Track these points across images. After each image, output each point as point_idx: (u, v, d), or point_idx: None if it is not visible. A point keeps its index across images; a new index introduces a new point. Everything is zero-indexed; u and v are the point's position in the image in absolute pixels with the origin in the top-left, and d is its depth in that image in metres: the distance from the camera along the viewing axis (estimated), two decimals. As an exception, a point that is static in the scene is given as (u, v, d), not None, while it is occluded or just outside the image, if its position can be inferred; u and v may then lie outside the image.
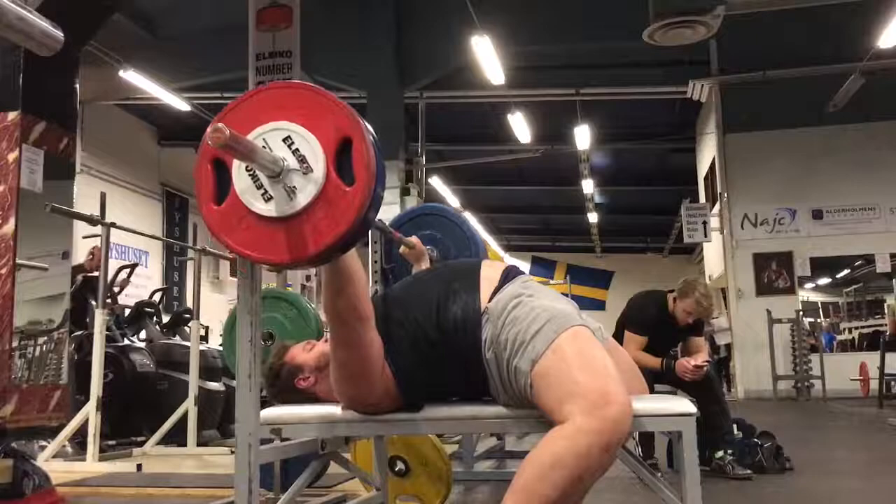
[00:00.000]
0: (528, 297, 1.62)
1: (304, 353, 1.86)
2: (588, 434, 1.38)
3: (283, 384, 1.85)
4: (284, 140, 1.35)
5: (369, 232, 3.11)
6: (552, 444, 1.41)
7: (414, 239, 2.90)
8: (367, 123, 1.36)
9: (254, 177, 1.35)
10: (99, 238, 4.74)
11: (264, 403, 1.65)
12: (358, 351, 1.58)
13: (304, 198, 1.33)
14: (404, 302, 1.71)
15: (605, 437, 1.38)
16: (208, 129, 1.20)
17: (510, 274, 1.72)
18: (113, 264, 5.73)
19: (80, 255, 6.24)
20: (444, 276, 1.76)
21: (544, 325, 1.53)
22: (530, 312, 1.57)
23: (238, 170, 1.37)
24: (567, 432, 1.40)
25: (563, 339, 1.51)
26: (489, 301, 1.64)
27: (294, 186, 1.33)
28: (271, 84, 1.43)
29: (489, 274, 1.71)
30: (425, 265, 2.85)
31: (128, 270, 6.59)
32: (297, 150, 1.34)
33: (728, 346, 12.39)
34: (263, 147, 1.34)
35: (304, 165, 1.33)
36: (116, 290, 6.36)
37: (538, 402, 1.51)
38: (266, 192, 1.34)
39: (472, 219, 18.30)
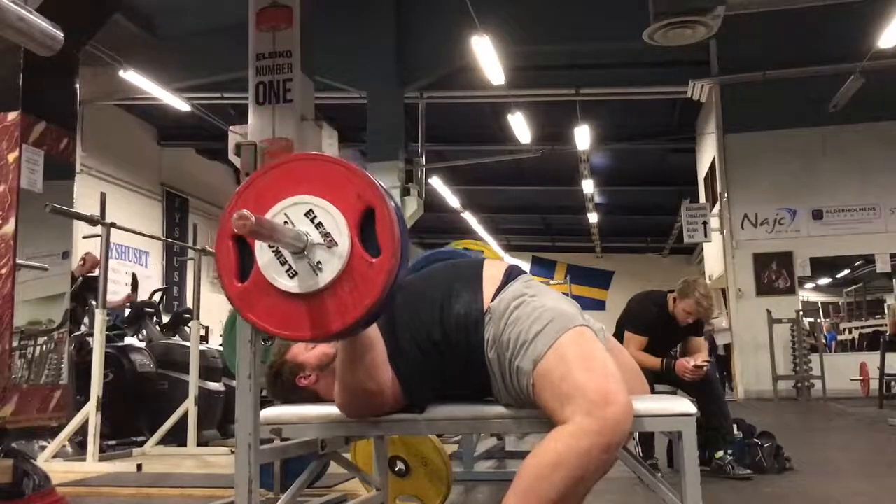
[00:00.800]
0: (530, 296, 1.62)
1: (306, 351, 1.85)
2: (589, 434, 1.38)
3: (284, 382, 1.85)
4: (306, 214, 1.31)
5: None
6: (553, 444, 1.41)
7: None
8: (386, 189, 1.33)
9: (277, 253, 1.32)
10: (98, 238, 4.74)
11: (264, 403, 1.65)
12: (370, 407, 1.62)
13: (329, 273, 1.29)
14: (407, 301, 1.71)
15: (606, 438, 1.38)
16: (234, 216, 1.17)
17: (513, 273, 1.72)
18: (113, 264, 5.73)
19: (79, 256, 6.23)
20: (447, 276, 1.76)
21: (546, 325, 1.53)
22: (532, 312, 1.57)
23: (261, 245, 1.34)
24: (568, 432, 1.40)
25: (565, 339, 1.51)
26: (492, 300, 1.63)
27: (319, 262, 1.30)
28: (286, 157, 1.40)
29: (492, 273, 1.71)
30: None
31: (160, 294, 7.02)
32: (320, 223, 1.31)
33: (727, 346, 12.38)
34: (286, 222, 1.31)
35: (328, 239, 1.30)
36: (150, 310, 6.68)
37: (539, 402, 1.50)
38: (290, 267, 1.31)
39: (472, 219, 18.36)
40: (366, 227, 1.30)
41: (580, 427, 1.39)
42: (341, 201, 1.31)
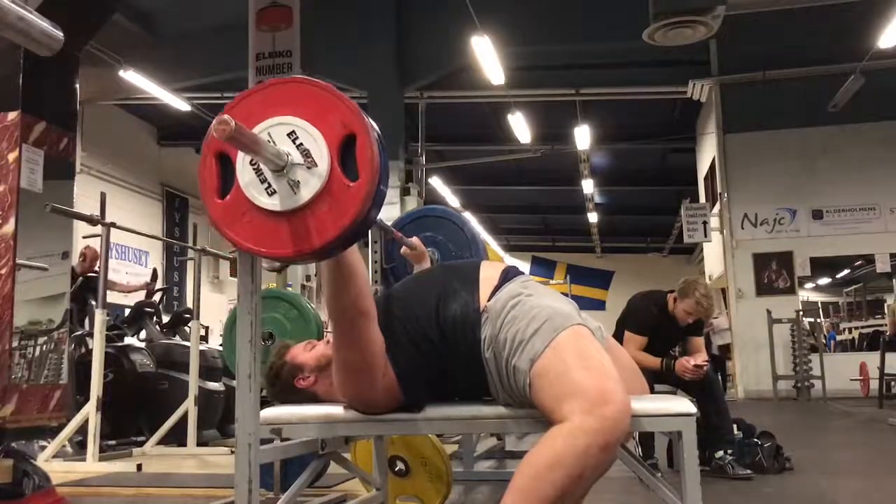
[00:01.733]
0: (527, 296, 1.62)
1: (305, 352, 1.86)
2: (587, 433, 1.38)
3: (283, 384, 1.85)
4: (289, 135, 1.35)
5: (370, 231, 3.12)
6: (551, 443, 1.41)
7: (415, 240, 2.91)
8: (371, 120, 1.36)
9: (258, 171, 1.36)
10: (98, 238, 4.74)
11: (264, 403, 1.65)
12: (360, 348, 1.58)
13: (307, 192, 1.33)
14: (405, 301, 1.71)
15: (604, 437, 1.38)
16: (214, 122, 1.21)
17: (510, 274, 1.72)
18: (113, 264, 5.73)
19: (79, 255, 6.23)
20: (444, 276, 1.76)
21: (543, 324, 1.53)
22: (529, 311, 1.57)
23: (242, 164, 1.37)
24: (566, 431, 1.40)
25: (562, 338, 1.51)
26: (488, 300, 1.64)
27: (298, 181, 1.34)
28: (276, 80, 1.43)
29: (489, 274, 1.72)
30: (426, 266, 2.85)
31: (160, 294, 7.12)
32: (301, 144, 1.35)
33: (723, 347, 12.36)
34: (268, 141, 1.34)
35: (309, 160, 1.34)
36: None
37: (537, 402, 1.51)
38: (270, 185, 1.35)
39: (472, 219, 18.36)
40: (346, 153, 1.34)
41: (578, 426, 1.39)
42: (324, 125, 1.34)
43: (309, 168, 1.33)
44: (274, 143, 1.35)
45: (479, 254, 3.34)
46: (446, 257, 3.26)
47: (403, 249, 2.91)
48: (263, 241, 1.36)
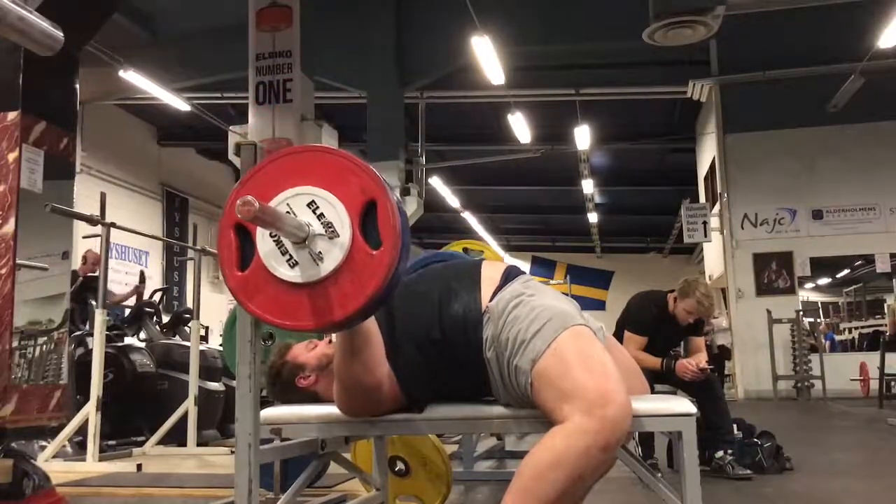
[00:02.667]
0: (528, 296, 1.62)
1: (307, 352, 1.86)
2: (587, 433, 1.38)
3: (284, 383, 1.86)
4: (309, 205, 1.33)
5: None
6: (551, 443, 1.41)
7: None
8: (389, 183, 1.35)
9: (278, 242, 1.34)
10: (98, 238, 4.74)
11: (264, 403, 1.65)
12: (366, 400, 1.61)
13: (330, 263, 1.31)
14: (405, 301, 1.71)
15: (604, 437, 1.38)
16: (238, 202, 1.18)
17: (511, 274, 1.72)
18: (113, 264, 5.73)
19: (79, 256, 6.23)
20: (446, 276, 1.76)
21: (545, 324, 1.53)
22: (531, 312, 1.57)
23: (262, 235, 1.35)
24: (566, 432, 1.40)
25: (563, 338, 1.51)
26: (490, 300, 1.64)
27: (320, 252, 1.31)
28: (293, 147, 1.41)
29: (490, 274, 1.71)
30: None
31: (160, 294, 7.21)
32: (321, 214, 1.32)
33: (720, 347, 12.36)
34: (288, 213, 1.32)
35: (330, 230, 1.32)
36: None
37: (538, 402, 1.51)
38: (291, 257, 1.33)
39: (472, 219, 18.37)
40: (367, 220, 1.32)
41: (579, 426, 1.39)
42: (344, 193, 1.32)
43: (331, 238, 1.31)
44: (294, 214, 1.33)
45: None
46: None
47: None
48: (285, 314, 1.34)
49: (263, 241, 1.35)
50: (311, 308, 1.32)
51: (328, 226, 1.32)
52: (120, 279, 9.32)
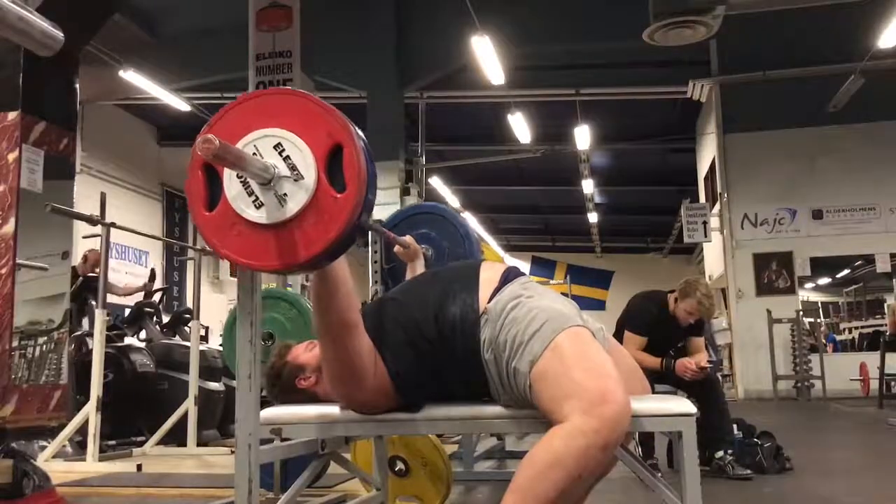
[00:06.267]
0: (527, 297, 1.62)
1: (306, 353, 1.86)
2: (586, 434, 1.38)
3: (284, 384, 1.86)
4: (275, 147, 1.35)
5: (370, 232, 3.11)
6: (550, 443, 1.41)
7: (408, 238, 2.90)
8: (357, 129, 1.36)
9: (245, 183, 1.36)
10: (98, 238, 4.74)
11: (264, 403, 1.65)
12: (346, 358, 1.59)
13: (294, 205, 1.33)
14: (403, 303, 1.71)
15: (603, 437, 1.38)
16: (198, 140, 1.20)
17: (510, 275, 1.72)
18: (113, 264, 5.73)
19: (79, 256, 6.23)
20: (444, 278, 1.76)
21: (543, 325, 1.53)
22: (529, 313, 1.57)
23: (229, 176, 1.37)
24: (565, 432, 1.40)
25: (562, 339, 1.51)
26: (488, 302, 1.63)
27: (285, 193, 1.33)
28: (261, 91, 1.43)
29: (488, 275, 1.71)
30: (420, 264, 2.85)
31: (160, 293, 7.25)
32: (287, 157, 1.34)
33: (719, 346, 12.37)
34: (254, 154, 1.34)
35: (295, 172, 1.33)
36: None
37: (537, 403, 1.51)
38: (257, 198, 1.35)
39: (472, 219, 18.37)
40: (333, 164, 1.34)
41: (578, 426, 1.39)
42: (311, 137, 1.34)
43: (296, 180, 1.33)
44: (261, 155, 1.34)
45: (472, 249, 3.28)
46: (440, 254, 3.22)
47: (396, 248, 2.90)
48: (251, 254, 1.36)
49: (231, 182, 1.37)
50: (277, 249, 1.34)
51: (294, 168, 1.34)
52: (120, 279, 9.32)
